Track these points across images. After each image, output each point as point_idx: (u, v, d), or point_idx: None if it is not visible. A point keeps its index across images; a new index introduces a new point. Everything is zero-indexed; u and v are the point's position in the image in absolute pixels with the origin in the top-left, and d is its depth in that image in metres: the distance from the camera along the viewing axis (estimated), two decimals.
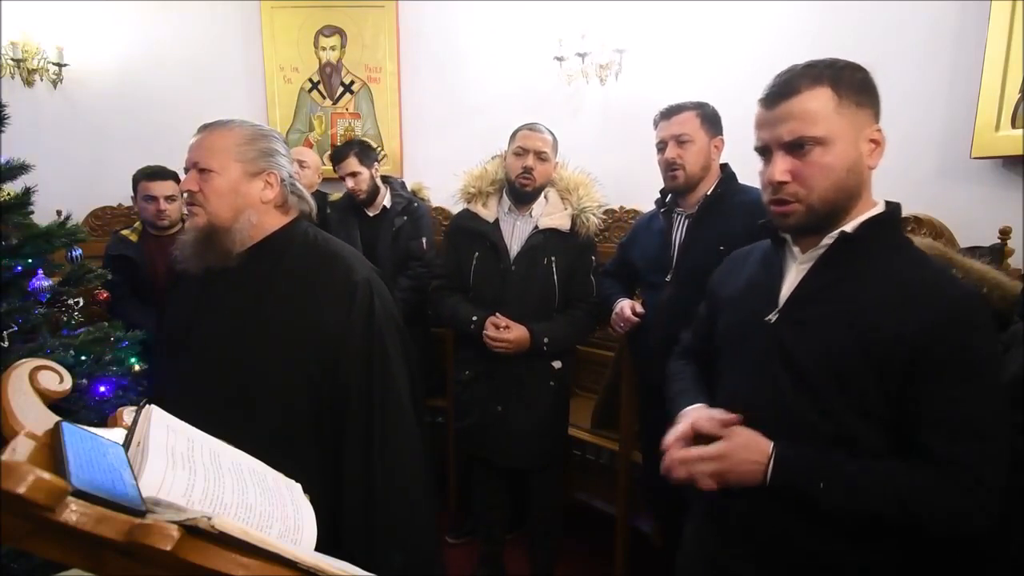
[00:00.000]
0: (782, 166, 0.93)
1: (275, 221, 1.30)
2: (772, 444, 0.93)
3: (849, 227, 0.96)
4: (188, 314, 1.30)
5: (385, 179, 2.79)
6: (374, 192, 2.66)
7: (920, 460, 0.89)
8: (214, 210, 1.23)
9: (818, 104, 0.91)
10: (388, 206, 2.70)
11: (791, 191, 0.94)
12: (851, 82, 0.93)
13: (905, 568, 0.97)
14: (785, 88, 0.93)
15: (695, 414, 1.04)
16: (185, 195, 1.27)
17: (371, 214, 2.70)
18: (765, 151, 0.98)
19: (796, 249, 1.02)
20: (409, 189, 2.97)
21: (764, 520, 0.99)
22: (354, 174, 2.59)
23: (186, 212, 1.37)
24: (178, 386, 1.25)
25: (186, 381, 1.24)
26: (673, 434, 1.04)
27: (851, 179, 0.93)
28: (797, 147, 0.92)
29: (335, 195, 2.91)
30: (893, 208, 0.99)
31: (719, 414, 1.01)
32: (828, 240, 0.96)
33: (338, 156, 2.63)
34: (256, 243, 1.28)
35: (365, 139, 3.05)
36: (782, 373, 0.97)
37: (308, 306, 1.22)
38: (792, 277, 1.02)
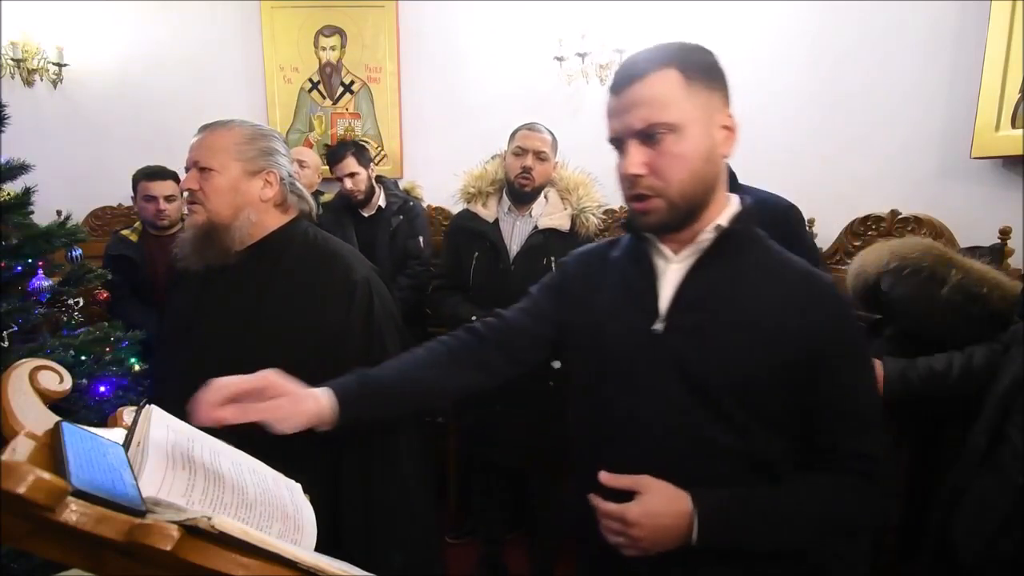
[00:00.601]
0: (637, 158, 0.86)
1: (275, 220, 1.30)
2: (688, 500, 0.84)
3: (723, 221, 0.91)
4: (188, 313, 1.30)
5: (378, 179, 2.79)
6: (370, 192, 2.66)
7: (830, 466, 0.89)
8: (214, 208, 1.23)
9: (666, 88, 0.85)
10: (383, 206, 2.70)
11: (648, 184, 0.87)
12: (700, 65, 0.87)
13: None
14: (632, 72, 0.87)
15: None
16: (185, 194, 1.28)
17: (366, 214, 2.69)
18: (618, 143, 0.90)
19: (666, 248, 0.94)
20: (402, 189, 2.96)
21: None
22: (352, 174, 2.57)
23: (186, 211, 1.37)
24: (177, 385, 1.24)
25: (185, 380, 1.23)
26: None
27: (708, 169, 0.88)
28: (649, 136, 0.85)
29: (327, 196, 2.90)
30: (749, 201, 0.96)
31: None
32: (705, 236, 0.90)
33: (335, 157, 2.60)
34: (256, 242, 1.28)
35: (359, 139, 3.04)
36: (678, 388, 0.89)
37: (307, 305, 1.22)
38: (670, 279, 0.93)
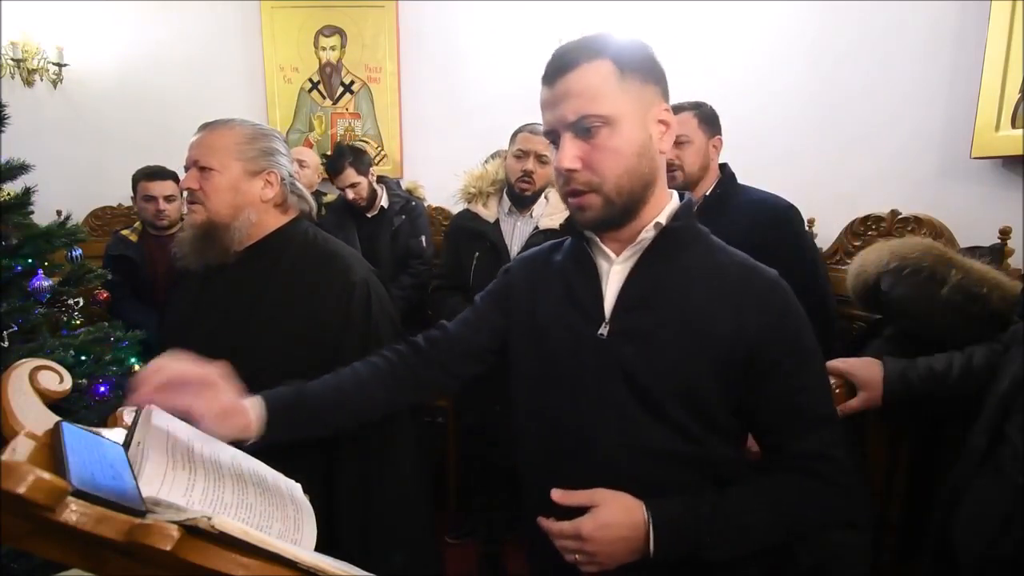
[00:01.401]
0: (571, 151, 0.84)
1: (275, 220, 1.30)
2: (642, 510, 0.82)
3: (663, 218, 0.89)
4: (187, 313, 1.30)
5: (380, 179, 2.79)
6: (373, 196, 2.66)
7: (781, 468, 0.88)
8: (214, 207, 1.23)
9: (599, 79, 0.82)
10: (385, 206, 2.70)
11: (583, 179, 0.85)
12: (634, 57, 0.85)
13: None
14: (563, 62, 0.85)
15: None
16: (185, 193, 1.27)
17: (369, 215, 2.70)
18: (553, 136, 0.88)
19: (607, 249, 0.92)
20: (404, 189, 2.97)
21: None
22: (353, 185, 2.57)
23: (186, 210, 1.37)
24: None
25: None
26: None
27: (643, 164, 0.85)
28: (584, 130, 0.83)
29: (329, 196, 2.90)
30: (689, 197, 0.94)
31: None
32: (646, 235, 0.89)
33: (334, 169, 2.59)
34: (255, 242, 1.28)
35: (355, 144, 3.02)
36: (623, 393, 0.87)
37: (306, 305, 1.22)
38: (613, 281, 0.91)
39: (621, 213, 0.87)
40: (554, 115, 0.86)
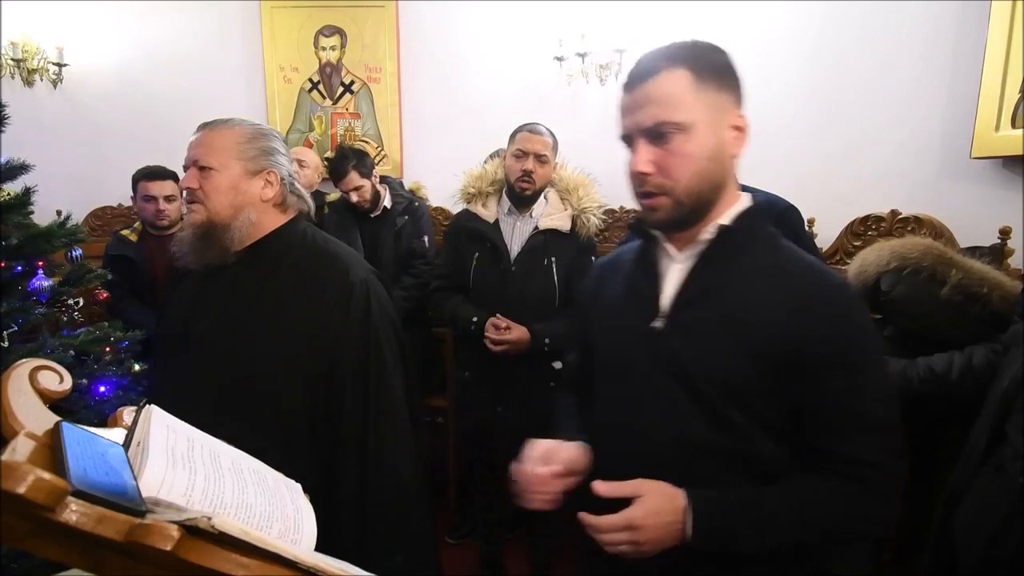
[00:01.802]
0: (645, 156, 0.87)
1: (274, 220, 1.30)
2: (683, 496, 0.86)
3: (726, 219, 0.91)
4: (186, 312, 1.30)
5: (383, 179, 2.79)
6: (376, 197, 2.65)
7: (829, 468, 0.88)
8: (214, 207, 1.23)
9: (676, 87, 0.86)
10: (389, 206, 2.69)
11: (656, 183, 0.88)
12: (711, 64, 0.88)
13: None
14: (643, 71, 0.88)
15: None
16: (185, 193, 1.27)
17: (372, 215, 2.70)
18: (628, 140, 0.91)
19: (671, 248, 0.95)
20: (407, 189, 2.96)
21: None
22: (357, 188, 2.56)
23: (185, 210, 1.37)
24: (175, 384, 1.25)
25: (183, 379, 1.24)
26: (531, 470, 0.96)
27: (714, 168, 0.89)
28: (658, 135, 0.87)
29: (332, 195, 2.90)
30: (760, 199, 0.96)
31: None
32: (707, 235, 0.91)
33: (337, 173, 2.58)
34: (255, 242, 1.28)
35: (357, 146, 3.02)
36: (673, 387, 0.90)
37: (305, 306, 1.22)
38: (673, 278, 0.94)
39: (690, 214, 0.90)
40: (631, 120, 0.90)
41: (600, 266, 1.15)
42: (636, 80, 0.89)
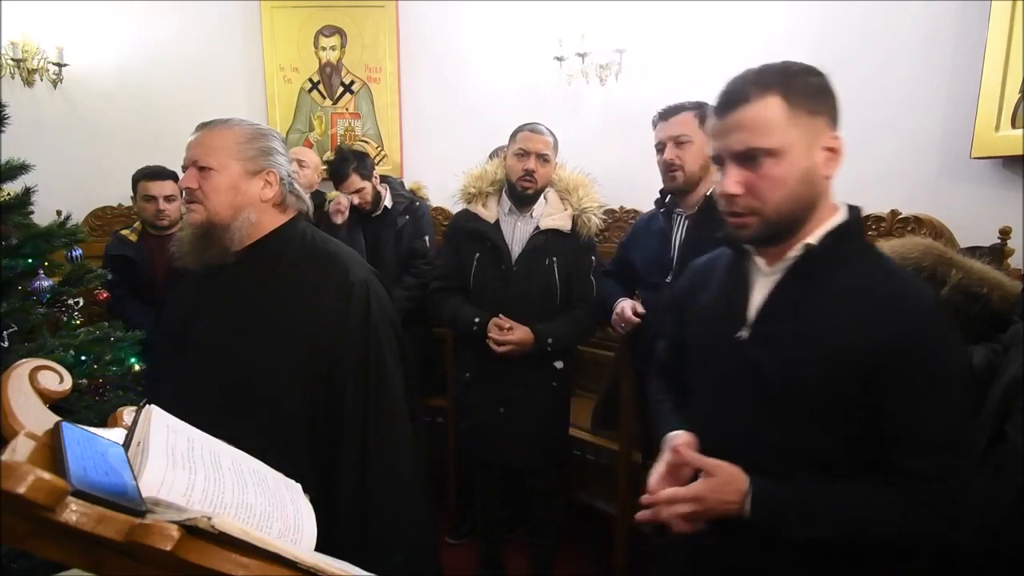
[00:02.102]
0: (734, 178, 0.90)
1: (273, 220, 1.30)
2: (748, 480, 0.91)
3: (813, 238, 0.93)
4: (185, 312, 1.30)
5: (384, 179, 2.78)
6: (377, 198, 2.65)
7: (890, 479, 0.89)
8: (213, 207, 1.23)
9: (768, 113, 0.87)
10: (389, 206, 2.69)
11: (744, 204, 0.91)
12: (804, 89, 0.89)
13: None
14: (734, 96, 0.90)
15: (678, 445, 0.99)
16: (184, 193, 1.27)
17: (373, 215, 2.69)
18: (719, 160, 0.95)
19: (761, 261, 0.98)
20: (408, 189, 2.96)
21: (752, 564, 0.97)
22: (359, 190, 2.56)
23: (185, 210, 1.37)
24: (175, 384, 1.25)
25: (183, 379, 1.24)
26: (656, 475, 1.00)
27: (805, 190, 0.90)
28: (749, 158, 0.89)
29: (332, 194, 2.90)
30: (855, 214, 0.97)
31: (693, 456, 0.97)
32: (794, 253, 0.93)
33: (338, 176, 2.58)
34: (254, 242, 1.28)
35: (357, 147, 3.02)
36: (751, 393, 0.94)
37: (305, 306, 1.22)
38: (760, 291, 0.98)
39: (778, 233, 0.93)
40: (722, 144, 0.92)
41: (695, 269, 1.18)
42: (727, 106, 0.91)
